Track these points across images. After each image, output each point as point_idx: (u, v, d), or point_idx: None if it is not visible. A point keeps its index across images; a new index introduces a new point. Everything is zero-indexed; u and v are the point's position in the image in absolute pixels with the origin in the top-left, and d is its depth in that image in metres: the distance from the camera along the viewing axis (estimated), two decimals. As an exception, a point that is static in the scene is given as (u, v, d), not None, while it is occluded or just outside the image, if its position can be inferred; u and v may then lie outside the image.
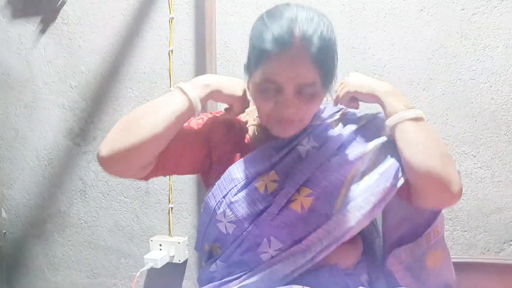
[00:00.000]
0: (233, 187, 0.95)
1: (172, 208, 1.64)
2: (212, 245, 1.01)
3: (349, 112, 1.07)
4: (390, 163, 0.93)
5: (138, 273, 1.52)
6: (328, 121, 1.03)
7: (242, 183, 0.95)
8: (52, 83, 1.75)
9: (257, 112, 0.99)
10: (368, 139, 0.98)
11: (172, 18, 1.57)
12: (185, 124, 0.99)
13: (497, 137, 1.36)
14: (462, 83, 1.37)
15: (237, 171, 0.96)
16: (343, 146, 0.98)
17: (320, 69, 0.84)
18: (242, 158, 0.98)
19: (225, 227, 0.94)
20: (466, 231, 1.39)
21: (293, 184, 0.93)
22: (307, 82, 0.84)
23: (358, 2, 1.42)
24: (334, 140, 0.98)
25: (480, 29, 1.35)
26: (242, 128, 1.06)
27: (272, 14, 0.85)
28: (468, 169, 1.38)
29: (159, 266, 1.56)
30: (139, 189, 1.68)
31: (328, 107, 1.07)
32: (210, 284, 0.98)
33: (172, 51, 1.59)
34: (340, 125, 1.02)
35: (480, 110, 1.36)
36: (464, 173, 1.38)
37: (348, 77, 0.99)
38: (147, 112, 0.90)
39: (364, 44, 1.43)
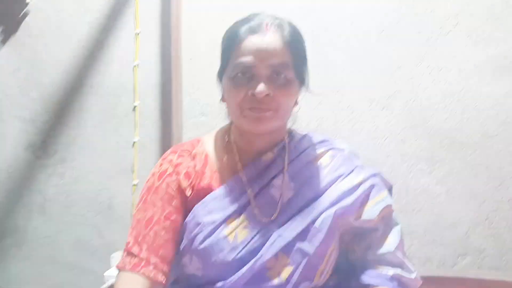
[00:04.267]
0: (199, 233, 0.86)
1: (135, 223, 1.63)
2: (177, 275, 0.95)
3: (338, 148, 0.96)
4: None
5: (99, 290, 1.50)
6: (308, 154, 0.94)
7: (210, 228, 0.86)
8: (13, 95, 1.71)
9: (229, 113, 0.90)
10: (360, 203, 0.89)
11: (138, 33, 1.58)
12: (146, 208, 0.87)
13: (452, 154, 1.42)
14: (418, 102, 1.43)
15: (202, 213, 0.87)
16: (327, 198, 0.88)
17: (291, 51, 0.82)
18: (208, 197, 0.89)
19: (192, 271, 0.88)
20: (423, 245, 1.45)
21: (271, 249, 0.84)
22: (279, 62, 0.81)
23: (321, 24, 1.47)
24: (315, 185, 0.90)
25: (435, 52, 1.42)
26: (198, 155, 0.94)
27: (241, 18, 0.86)
28: (425, 186, 1.43)
29: (120, 282, 1.54)
30: (101, 204, 1.66)
31: (308, 135, 0.98)
32: None
33: (137, 65, 1.59)
34: (329, 166, 0.93)
35: (436, 128, 1.42)
36: (421, 190, 1.43)
37: None
38: None
39: (326, 63, 1.47)
